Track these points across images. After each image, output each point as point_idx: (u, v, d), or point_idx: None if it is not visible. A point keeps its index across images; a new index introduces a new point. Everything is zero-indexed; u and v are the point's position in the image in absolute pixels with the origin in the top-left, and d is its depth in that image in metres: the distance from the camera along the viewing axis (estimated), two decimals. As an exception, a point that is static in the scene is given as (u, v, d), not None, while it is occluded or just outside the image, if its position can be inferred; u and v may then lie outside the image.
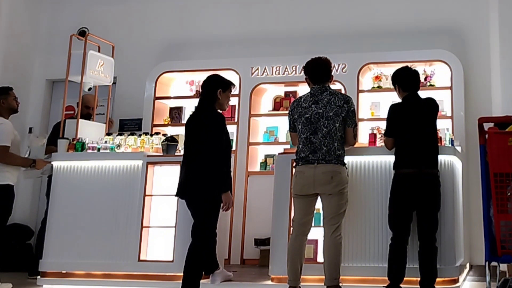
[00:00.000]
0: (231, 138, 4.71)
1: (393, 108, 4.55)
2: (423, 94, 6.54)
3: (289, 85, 6.73)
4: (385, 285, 4.28)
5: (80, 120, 5.66)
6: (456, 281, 4.55)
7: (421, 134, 4.37)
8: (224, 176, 4.36)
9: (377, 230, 4.62)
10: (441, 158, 4.55)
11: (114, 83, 6.67)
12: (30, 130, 7.33)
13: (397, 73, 4.62)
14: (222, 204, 4.35)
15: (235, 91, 6.30)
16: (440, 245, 4.38)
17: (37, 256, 5.39)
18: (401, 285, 4.26)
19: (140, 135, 5.46)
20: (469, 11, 6.63)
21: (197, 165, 4.35)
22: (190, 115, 4.65)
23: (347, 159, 4.41)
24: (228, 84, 4.62)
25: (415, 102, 4.49)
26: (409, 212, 4.34)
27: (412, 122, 4.40)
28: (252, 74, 6.66)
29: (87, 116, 6.04)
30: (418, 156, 4.31)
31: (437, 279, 4.28)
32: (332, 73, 4.46)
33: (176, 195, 4.48)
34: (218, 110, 4.53)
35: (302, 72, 4.53)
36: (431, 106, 4.49)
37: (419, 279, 4.28)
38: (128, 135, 5.44)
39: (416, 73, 4.60)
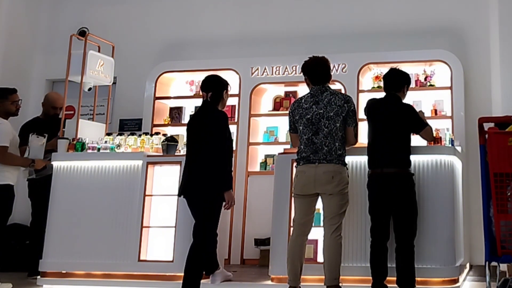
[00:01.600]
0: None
1: (369, 103, 4.57)
2: (423, 94, 6.50)
3: (289, 85, 6.73)
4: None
5: (80, 120, 5.65)
6: (456, 281, 4.54)
7: (385, 136, 4.35)
8: (226, 175, 4.38)
9: (377, 230, 4.62)
10: (441, 158, 4.57)
11: (114, 83, 6.66)
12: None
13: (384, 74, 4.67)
14: (224, 203, 4.37)
15: (235, 91, 6.36)
16: (440, 245, 4.38)
17: (34, 257, 5.39)
18: (386, 283, 4.28)
19: (140, 135, 5.46)
20: (469, 11, 6.63)
21: (198, 165, 4.36)
22: (192, 116, 4.67)
23: (348, 159, 4.41)
24: (227, 84, 4.68)
25: (386, 103, 4.47)
26: (380, 211, 4.33)
27: (378, 123, 4.41)
28: (252, 74, 6.66)
29: (54, 117, 5.84)
30: (380, 156, 4.33)
31: (437, 279, 4.29)
32: (331, 73, 4.44)
33: (178, 195, 4.49)
34: (220, 109, 4.56)
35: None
36: (405, 113, 4.42)
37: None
38: (128, 135, 5.44)
39: (395, 74, 4.56)
